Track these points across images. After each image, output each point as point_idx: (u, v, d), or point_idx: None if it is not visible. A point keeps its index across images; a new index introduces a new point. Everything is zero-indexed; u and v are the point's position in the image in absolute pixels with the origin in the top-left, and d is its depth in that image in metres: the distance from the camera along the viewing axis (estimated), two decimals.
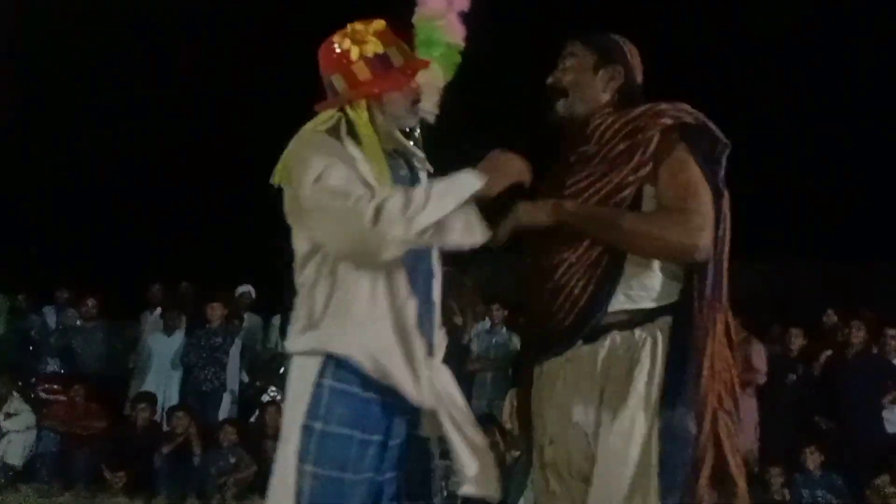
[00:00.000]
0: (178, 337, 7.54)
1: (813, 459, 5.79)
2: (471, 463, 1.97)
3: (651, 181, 2.00)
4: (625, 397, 1.93)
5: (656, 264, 2.00)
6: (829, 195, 10.43)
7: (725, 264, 2.03)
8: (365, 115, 2.01)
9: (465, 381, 7.02)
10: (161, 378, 7.46)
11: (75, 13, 9.78)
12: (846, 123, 10.50)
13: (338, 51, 2.02)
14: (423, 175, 2.15)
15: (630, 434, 1.91)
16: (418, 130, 2.37)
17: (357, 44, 2.01)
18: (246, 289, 8.17)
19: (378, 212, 1.83)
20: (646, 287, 2.00)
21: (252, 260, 8.07)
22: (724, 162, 2.07)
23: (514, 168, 2.01)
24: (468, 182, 1.95)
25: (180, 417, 6.69)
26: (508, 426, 6.78)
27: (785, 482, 5.73)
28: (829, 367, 6.50)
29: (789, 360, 6.63)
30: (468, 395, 7.18)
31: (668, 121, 2.02)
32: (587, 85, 2.13)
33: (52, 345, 7.77)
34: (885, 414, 6.22)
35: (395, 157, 2.09)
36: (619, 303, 1.98)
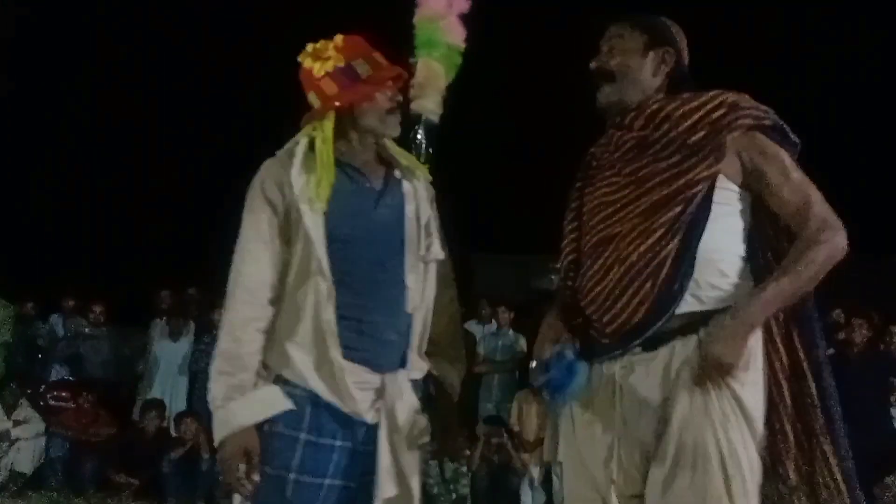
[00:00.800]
0: (186, 343, 7.57)
1: None
2: (389, 487, 1.96)
3: (734, 179, 1.89)
4: (692, 406, 1.81)
5: (725, 264, 1.88)
6: (836, 190, 10.41)
7: None
8: (329, 128, 2.03)
9: (473, 384, 7.03)
10: (168, 384, 7.50)
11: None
12: (853, 115, 10.47)
13: (304, 70, 2.07)
14: (409, 184, 2.12)
15: (703, 445, 1.79)
16: (421, 133, 2.36)
17: (319, 60, 2.04)
18: None
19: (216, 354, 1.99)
20: (714, 287, 1.86)
21: None
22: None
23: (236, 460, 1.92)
24: (231, 412, 1.94)
25: (188, 423, 6.72)
26: (516, 428, 6.79)
27: None
28: (834, 365, 6.48)
29: None
30: (475, 398, 7.23)
31: (749, 121, 1.90)
32: (637, 68, 1.99)
33: (60, 352, 7.81)
34: (894, 412, 6.21)
35: (360, 170, 2.08)
36: (687, 305, 1.85)
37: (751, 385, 1.85)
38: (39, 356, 7.88)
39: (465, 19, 2.27)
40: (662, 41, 2.01)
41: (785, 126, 1.94)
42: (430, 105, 2.32)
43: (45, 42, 10.33)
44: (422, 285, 2.07)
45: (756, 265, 1.91)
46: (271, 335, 2.00)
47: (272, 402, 1.95)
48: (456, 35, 2.00)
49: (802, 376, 1.92)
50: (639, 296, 1.85)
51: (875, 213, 10.26)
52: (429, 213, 2.12)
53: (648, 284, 1.84)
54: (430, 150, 2.33)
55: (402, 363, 2.04)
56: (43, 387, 7.48)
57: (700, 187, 1.85)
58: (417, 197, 2.11)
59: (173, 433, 7.00)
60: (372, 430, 1.98)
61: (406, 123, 2.33)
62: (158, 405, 7.13)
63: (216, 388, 1.96)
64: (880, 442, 5.96)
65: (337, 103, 2.03)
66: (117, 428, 7.09)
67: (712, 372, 1.79)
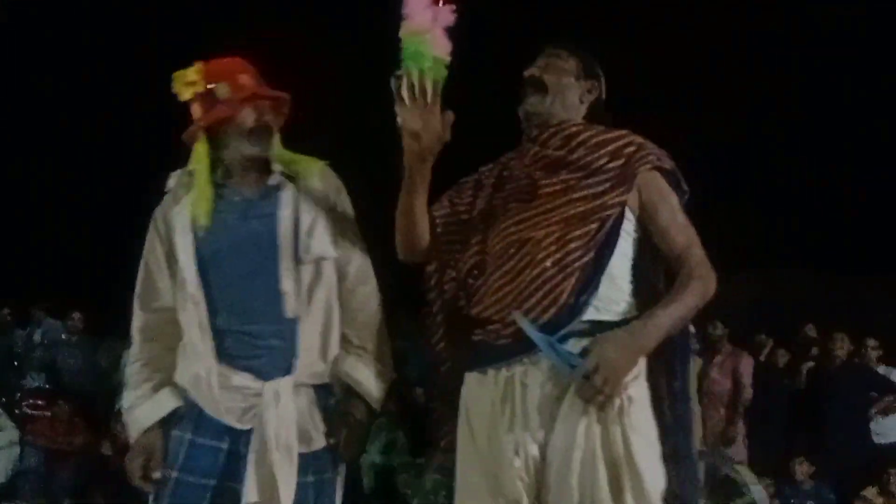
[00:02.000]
0: None
1: (802, 471, 5.82)
2: (251, 493, 2.02)
3: (633, 211, 2.03)
4: (582, 411, 1.87)
5: (623, 283, 2.01)
6: (807, 207, 10.56)
7: None
8: (201, 150, 2.16)
9: None
10: None
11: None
12: (828, 134, 10.63)
13: (179, 98, 2.22)
14: (288, 189, 2.16)
15: (577, 444, 1.86)
16: None
17: (185, 86, 2.17)
18: None
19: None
20: (613, 302, 1.98)
21: None
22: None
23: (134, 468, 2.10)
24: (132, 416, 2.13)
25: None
26: None
27: (774, 494, 5.76)
28: (814, 378, 6.55)
29: (775, 372, 6.68)
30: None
31: (654, 160, 2.04)
32: (569, 90, 2.11)
33: (37, 360, 7.71)
34: (872, 425, 6.26)
35: (232, 185, 2.17)
36: (590, 314, 1.95)
37: (637, 400, 1.91)
38: (15, 363, 7.78)
39: (451, 32, 2.31)
40: (592, 73, 2.15)
41: (678, 172, 2.09)
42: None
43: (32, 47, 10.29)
44: (304, 288, 2.11)
45: (636, 292, 2.03)
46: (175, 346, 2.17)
47: (163, 403, 2.11)
48: (441, 48, 2.00)
49: (660, 401, 1.99)
50: (549, 298, 1.93)
51: (843, 236, 10.44)
52: (313, 213, 2.15)
53: (559, 290, 1.93)
54: None
55: (290, 369, 2.08)
56: (18, 395, 7.39)
57: (612, 211, 1.99)
58: (297, 199, 2.15)
59: None
60: (249, 434, 2.07)
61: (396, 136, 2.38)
62: None
63: (124, 398, 2.17)
64: (860, 455, 6.01)
65: (202, 125, 2.15)
66: (94, 438, 6.99)
67: (597, 377, 1.84)
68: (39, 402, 7.19)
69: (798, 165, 10.60)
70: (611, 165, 2.02)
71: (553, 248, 1.96)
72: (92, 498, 6.48)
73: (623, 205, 2.00)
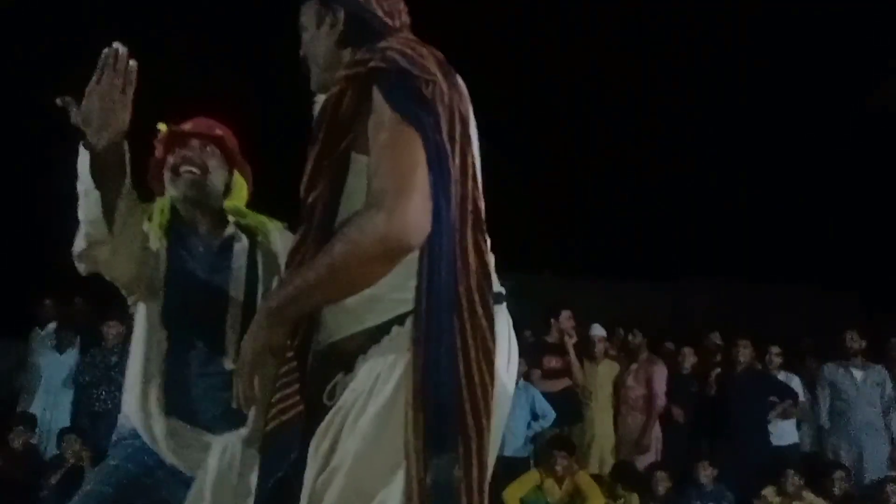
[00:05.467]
0: (72, 355, 7.21)
1: (706, 474, 6.01)
2: None
3: (359, 150, 1.54)
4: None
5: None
6: (716, 217, 10.96)
7: (480, 245, 1.55)
8: (163, 204, 2.25)
9: None
10: (50, 399, 7.11)
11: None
12: (734, 144, 11.02)
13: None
14: (244, 241, 2.24)
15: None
16: None
17: (160, 137, 2.26)
18: None
19: None
20: (371, 298, 1.52)
21: None
22: (440, 108, 1.52)
23: None
24: None
25: (71, 441, 6.37)
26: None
27: (672, 490, 5.95)
28: (719, 384, 6.79)
29: (683, 378, 6.89)
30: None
31: (354, 69, 1.53)
32: (315, 43, 1.70)
33: None
34: (771, 427, 6.53)
35: (197, 236, 2.22)
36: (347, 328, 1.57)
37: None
38: None
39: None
40: (327, 3, 1.70)
41: (410, 64, 1.51)
42: None
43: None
44: None
45: None
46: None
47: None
48: None
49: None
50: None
51: (756, 242, 10.86)
52: (272, 274, 2.18)
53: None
54: None
55: (244, 422, 2.07)
56: None
57: (326, 179, 1.58)
58: (254, 256, 2.19)
59: (56, 451, 6.62)
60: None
61: None
62: (28, 419, 6.64)
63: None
64: (759, 456, 6.27)
65: (156, 185, 2.26)
66: None
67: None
68: None
69: (704, 176, 10.97)
70: (323, 110, 1.58)
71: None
72: None
73: (341, 156, 1.55)
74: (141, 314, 2.16)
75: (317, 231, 1.58)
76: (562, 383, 6.57)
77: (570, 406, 6.53)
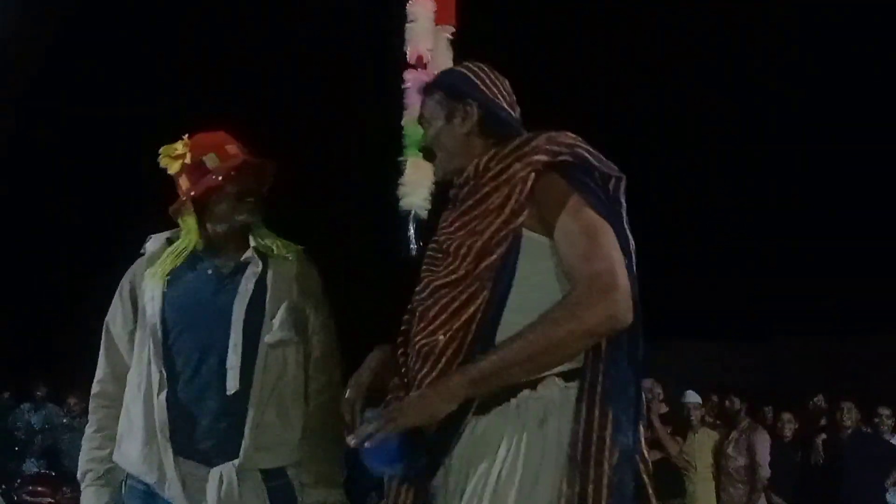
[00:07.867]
0: None
1: None
2: None
3: (536, 229, 1.67)
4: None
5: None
6: (813, 274, 10.58)
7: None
8: (191, 223, 2.19)
9: None
10: None
11: None
12: (823, 199, 10.71)
13: (168, 173, 2.24)
14: (257, 265, 2.18)
15: None
16: (411, 228, 2.49)
17: (174, 160, 2.19)
18: None
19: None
20: None
21: None
22: (622, 199, 1.75)
23: None
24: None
25: None
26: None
27: None
28: (826, 451, 6.47)
29: (784, 446, 6.60)
30: None
31: (543, 157, 1.69)
32: (446, 134, 1.82)
33: (37, 444, 7.58)
34: (889, 497, 6.17)
35: (209, 257, 2.20)
36: None
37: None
38: (16, 448, 7.64)
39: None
40: (460, 96, 1.82)
41: (594, 159, 1.71)
42: (418, 201, 2.54)
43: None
44: (259, 369, 2.09)
45: None
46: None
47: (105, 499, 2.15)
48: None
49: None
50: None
51: (853, 296, 10.41)
52: (282, 297, 2.15)
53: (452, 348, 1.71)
54: (421, 244, 2.39)
55: (236, 453, 2.06)
56: (19, 481, 7.24)
57: (501, 249, 1.66)
58: (267, 279, 2.16)
59: None
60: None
61: (396, 219, 2.47)
62: None
63: (80, 460, 2.22)
64: None
65: (192, 195, 2.16)
66: None
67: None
68: (40, 489, 7.04)
69: (790, 226, 10.66)
70: (492, 185, 1.71)
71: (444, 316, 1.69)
72: None
73: (513, 232, 1.66)
74: (135, 358, 2.14)
75: (491, 292, 1.66)
76: (653, 455, 6.35)
77: (669, 478, 6.30)
